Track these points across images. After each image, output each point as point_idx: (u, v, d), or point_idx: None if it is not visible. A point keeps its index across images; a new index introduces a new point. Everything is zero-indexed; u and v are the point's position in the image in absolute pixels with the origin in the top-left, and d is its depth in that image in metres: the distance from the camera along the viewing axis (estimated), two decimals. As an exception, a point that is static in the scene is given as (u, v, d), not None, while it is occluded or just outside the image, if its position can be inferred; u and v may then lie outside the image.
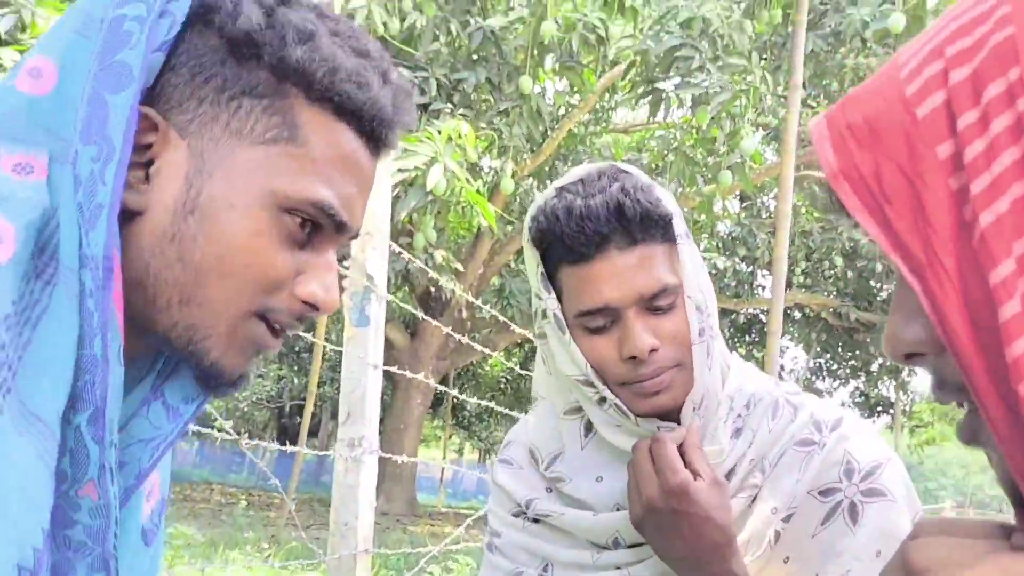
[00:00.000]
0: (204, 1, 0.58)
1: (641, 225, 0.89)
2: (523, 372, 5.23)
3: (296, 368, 19.85)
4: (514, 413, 4.59)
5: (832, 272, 13.25)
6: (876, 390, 17.68)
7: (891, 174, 0.42)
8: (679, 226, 0.92)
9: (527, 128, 5.16)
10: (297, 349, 18.41)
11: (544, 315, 0.95)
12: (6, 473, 0.46)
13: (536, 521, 1.01)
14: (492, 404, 4.00)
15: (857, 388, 17.93)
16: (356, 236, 0.63)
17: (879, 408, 17.93)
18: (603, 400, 0.93)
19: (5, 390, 0.46)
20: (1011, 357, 0.37)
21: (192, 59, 0.58)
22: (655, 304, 0.89)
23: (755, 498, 0.94)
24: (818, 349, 16.74)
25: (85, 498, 0.54)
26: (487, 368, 18.41)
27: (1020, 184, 0.38)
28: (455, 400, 18.82)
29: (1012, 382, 0.37)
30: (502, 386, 18.69)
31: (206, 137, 0.57)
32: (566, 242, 0.90)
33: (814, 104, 10.39)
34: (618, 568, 0.95)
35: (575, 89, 6.48)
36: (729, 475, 0.94)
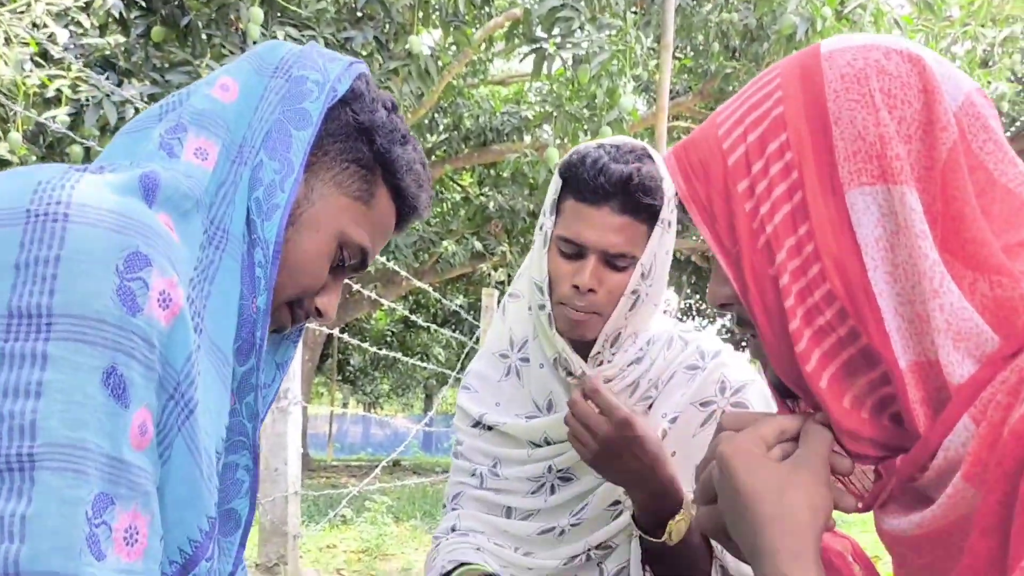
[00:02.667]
0: (353, 88, 0.80)
1: (635, 201, 1.12)
2: (409, 323, 5.42)
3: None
4: (405, 359, 4.81)
5: (700, 217, 13.91)
6: (741, 327, 18.81)
7: (716, 201, 0.68)
8: (665, 215, 1.14)
9: (417, 87, 5.29)
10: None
11: (541, 228, 1.18)
12: (205, 391, 0.66)
13: (489, 429, 1.29)
14: (387, 352, 4.18)
15: (724, 326, 19.03)
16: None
17: (743, 344, 19.12)
18: (542, 307, 1.18)
19: (199, 330, 0.66)
20: (786, 306, 0.63)
21: (330, 123, 0.79)
22: (613, 261, 1.14)
23: (651, 406, 1.22)
24: (688, 291, 17.64)
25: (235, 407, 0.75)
26: (372, 323, 18.46)
27: (787, 205, 0.64)
28: (340, 357, 18.78)
29: (787, 320, 0.63)
30: (387, 340, 18.83)
31: (319, 177, 0.79)
32: (580, 182, 1.13)
33: (681, 56, 10.82)
34: (547, 459, 1.23)
35: (451, 43, 6.59)
36: (633, 389, 1.22)
